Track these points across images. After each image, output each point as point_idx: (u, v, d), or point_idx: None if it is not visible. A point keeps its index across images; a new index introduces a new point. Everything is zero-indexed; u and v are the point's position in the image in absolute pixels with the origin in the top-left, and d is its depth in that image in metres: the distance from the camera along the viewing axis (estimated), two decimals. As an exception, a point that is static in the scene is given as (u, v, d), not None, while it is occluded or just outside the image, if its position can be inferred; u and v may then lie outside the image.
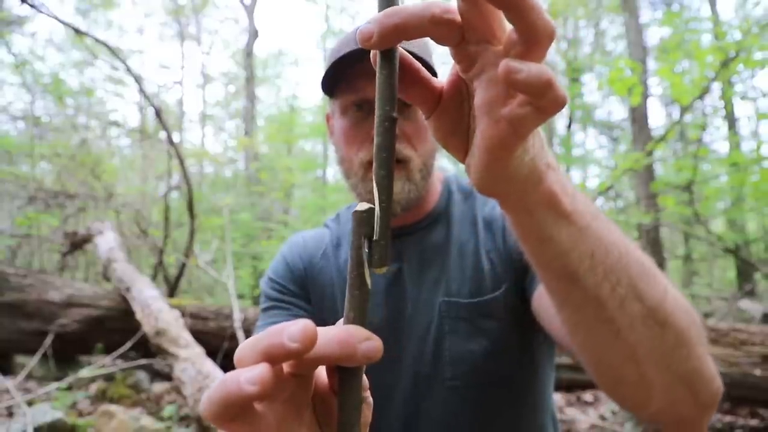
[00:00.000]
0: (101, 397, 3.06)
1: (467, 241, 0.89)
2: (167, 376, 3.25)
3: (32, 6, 3.61)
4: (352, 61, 0.80)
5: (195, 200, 4.56)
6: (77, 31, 4.15)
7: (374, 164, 0.34)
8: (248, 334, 3.13)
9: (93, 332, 3.39)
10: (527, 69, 0.30)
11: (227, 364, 2.82)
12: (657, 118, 15.57)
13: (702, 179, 5.35)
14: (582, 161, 9.23)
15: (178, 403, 2.93)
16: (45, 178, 6.20)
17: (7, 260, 5.07)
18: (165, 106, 10.10)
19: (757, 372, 2.43)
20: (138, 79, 4.36)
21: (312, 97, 14.98)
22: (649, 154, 4.74)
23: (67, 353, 3.45)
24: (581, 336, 0.48)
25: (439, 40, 0.35)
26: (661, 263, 6.11)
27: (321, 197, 8.21)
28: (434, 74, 0.85)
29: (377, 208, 0.34)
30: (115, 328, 3.40)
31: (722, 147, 10.54)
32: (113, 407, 2.63)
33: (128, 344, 3.18)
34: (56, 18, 3.82)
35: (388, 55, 0.35)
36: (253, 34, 10.99)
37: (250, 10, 11.21)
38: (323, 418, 0.37)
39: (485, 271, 0.85)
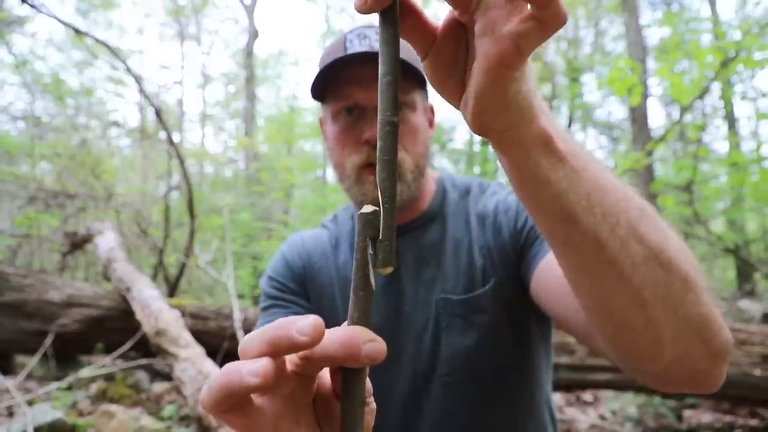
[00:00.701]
0: (101, 397, 3.06)
1: (461, 238, 0.90)
2: (167, 376, 3.25)
3: (32, 6, 3.61)
4: (341, 68, 0.82)
5: (195, 200, 4.56)
6: (77, 31, 4.15)
7: (377, 167, 0.35)
8: (248, 334, 3.12)
9: (93, 332, 3.39)
10: None
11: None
12: (657, 118, 15.56)
13: (702, 179, 5.35)
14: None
15: (178, 403, 2.93)
16: (45, 178, 6.20)
17: (7, 260, 5.06)
18: (165, 106, 10.10)
19: (757, 372, 2.43)
20: (138, 79, 4.36)
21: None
22: (649, 154, 4.74)
23: (67, 353, 3.45)
24: (584, 282, 0.47)
25: None
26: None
27: (321, 197, 8.21)
28: (423, 79, 0.87)
29: (381, 210, 0.34)
30: (115, 328, 3.39)
31: (722, 147, 10.55)
32: (113, 407, 2.63)
33: (128, 344, 3.18)
34: (56, 18, 3.82)
35: (388, 17, 0.36)
36: (253, 34, 10.99)
37: (250, 10, 11.21)
38: (325, 421, 0.37)
39: (476, 267, 0.86)
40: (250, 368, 0.30)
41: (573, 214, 0.42)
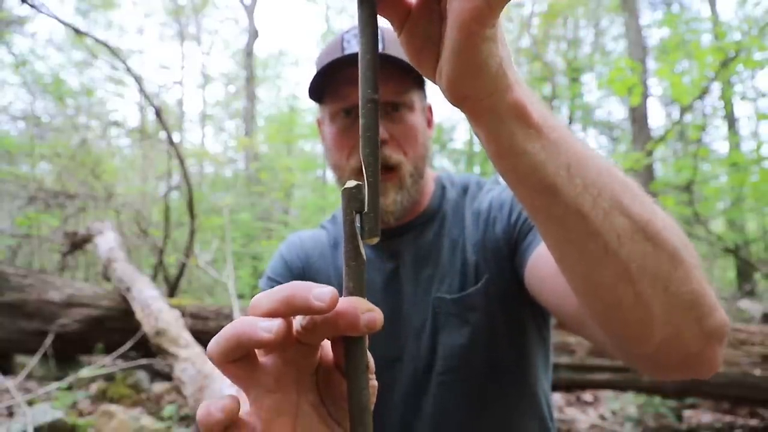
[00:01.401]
0: (101, 396, 3.06)
1: (458, 237, 0.90)
2: (167, 376, 3.25)
3: (32, 6, 3.61)
4: (338, 69, 0.82)
5: (195, 200, 4.56)
6: (77, 31, 4.15)
7: (360, 143, 0.37)
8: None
9: (93, 332, 3.39)
10: None
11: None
12: (657, 118, 15.57)
13: (702, 179, 5.35)
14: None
15: (178, 403, 2.93)
16: (45, 178, 6.19)
17: (7, 260, 5.07)
18: (165, 106, 10.09)
19: (757, 372, 2.43)
20: (138, 79, 4.36)
21: (312, 97, 14.92)
22: (649, 154, 4.75)
23: (68, 353, 3.45)
24: (571, 258, 0.47)
25: None
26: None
27: (321, 197, 8.22)
28: (420, 76, 0.87)
29: (366, 184, 0.36)
30: (115, 328, 3.39)
31: (722, 147, 10.56)
32: (113, 407, 2.64)
33: (128, 344, 3.18)
34: (56, 18, 3.82)
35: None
36: (253, 34, 10.99)
37: (250, 10, 11.21)
38: (326, 393, 0.39)
39: (470, 265, 0.87)
40: (264, 324, 0.32)
41: (553, 185, 0.41)
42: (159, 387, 3.27)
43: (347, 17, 11.95)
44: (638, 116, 6.28)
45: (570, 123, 8.03)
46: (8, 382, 2.75)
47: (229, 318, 3.37)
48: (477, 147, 8.90)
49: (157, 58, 16.32)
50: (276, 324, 0.32)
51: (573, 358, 2.69)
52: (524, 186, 0.43)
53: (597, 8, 9.42)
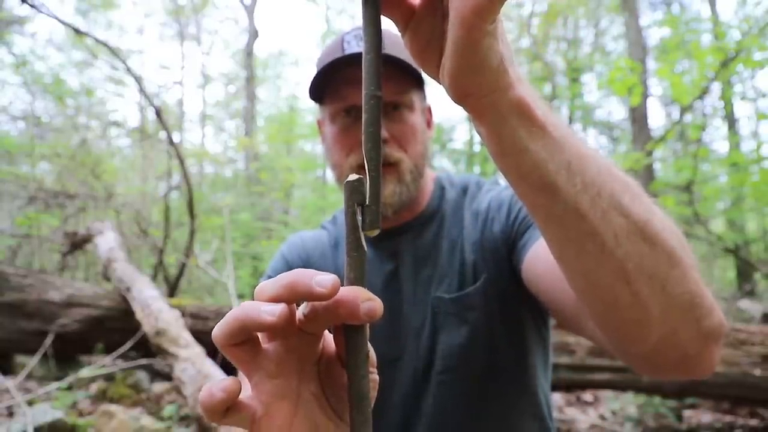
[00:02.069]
0: (101, 396, 3.06)
1: (457, 237, 0.91)
2: (167, 376, 3.25)
3: (32, 6, 3.61)
4: (339, 69, 0.82)
5: (195, 200, 4.56)
6: (77, 31, 4.15)
7: (363, 138, 0.37)
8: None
9: (93, 332, 3.39)
10: None
11: (227, 364, 2.81)
12: (657, 118, 15.56)
13: (702, 179, 5.35)
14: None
15: (178, 403, 2.93)
16: (45, 178, 6.18)
17: (7, 260, 5.06)
18: (165, 106, 10.09)
19: (757, 372, 2.43)
20: (138, 79, 4.36)
21: (312, 97, 14.92)
22: (649, 154, 4.75)
23: (68, 353, 3.45)
24: (569, 256, 0.47)
25: None
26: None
27: (321, 197, 8.22)
28: (420, 77, 0.87)
29: (368, 178, 0.37)
30: (115, 328, 3.39)
31: (722, 147, 10.55)
32: (113, 407, 2.63)
33: (128, 344, 3.18)
34: (56, 18, 3.82)
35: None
36: (253, 34, 10.99)
37: (250, 10, 11.21)
38: (328, 384, 0.39)
39: (468, 264, 0.87)
40: (267, 308, 0.33)
41: (553, 184, 0.41)
42: (159, 387, 3.27)
43: (347, 18, 11.96)
44: (638, 116, 6.28)
45: (570, 123, 8.03)
46: (8, 382, 2.75)
47: (229, 318, 3.36)
48: (477, 147, 8.90)
49: (157, 58, 16.33)
50: (279, 308, 0.33)
51: (573, 358, 2.68)
52: (525, 184, 0.43)
53: (597, 8, 9.42)
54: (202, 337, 2.97)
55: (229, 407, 0.34)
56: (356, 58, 0.80)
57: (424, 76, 0.81)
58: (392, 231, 0.92)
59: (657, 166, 7.29)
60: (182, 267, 4.67)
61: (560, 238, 0.46)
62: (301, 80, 13.99)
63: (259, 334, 0.37)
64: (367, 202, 0.37)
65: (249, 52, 10.93)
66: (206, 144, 13.16)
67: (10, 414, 2.70)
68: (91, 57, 6.53)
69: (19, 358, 3.48)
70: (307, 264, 0.97)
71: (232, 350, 0.35)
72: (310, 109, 10.26)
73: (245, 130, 10.73)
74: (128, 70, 4.24)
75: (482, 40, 0.36)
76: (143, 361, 3.19)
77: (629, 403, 3.22)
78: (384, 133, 0.82)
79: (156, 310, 2.86)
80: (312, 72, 0.86)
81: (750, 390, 2.46)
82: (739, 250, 5.77)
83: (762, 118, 6.86)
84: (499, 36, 0.38)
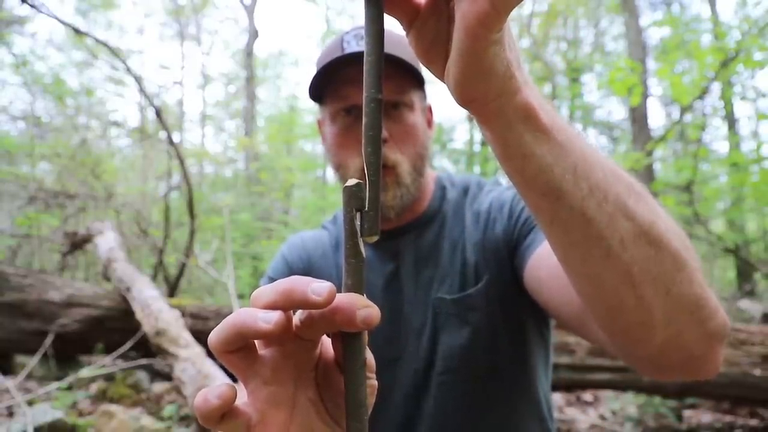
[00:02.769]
0: (101, 396, 3.06)
1: (458, 237, 0.90)
2: (167, 376, 3.25)
3: (32, 6, 3.60)
4: (338, 69, 0.82)
5: (195, 200, 4.55)
6: (77, 31, 4.15)
7: (363, 142, 0.37)
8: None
9: (93, 332, 3.39)
10: None
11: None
12: (657, 118, 15.55)
13: (702, 179, 5.35)
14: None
15: (178, 403, 2.93)
16: (45, 178, 6.18)
17: (7, 260, 5.06)
18: (165, 106, 10.09)
19: (757, 372, 2.43)
20: (138, 79, 4.36)
21: (312, 97, 14.92)
22: (649, 154, 4.75)
23: (68, 353, 3.45)
24: (574, 260, 0.47)
25: None
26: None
27: (321, 197, 8.21)
28: (421, 79, 0.87)
29: (367, 182, 0.36)
30: (115, 328, 3.39)
31: (722, 147, 10.55)
32: (113, 407, 2.63)
33: (128, 344, 3.18)
34: (56, 18, 3.82)
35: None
36: (253, 34, 10.99)
37: (250, 10, 11.21)
38: (326, 391, 0.39)
39: (469, 265, 0.87)
40: (263, 315, 0.33)
41: (559, 189, 0.41)
42: (159, 387, 3.27)
43: (347, 18, 11.96)
44: (638, 116, 6.28)
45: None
46: (8, 382, 2.75)
47: (229, 318, 3.36)
48: (477, 147, 8.90)
49: (157, 58, 16.31)
50: (275, 316, 0.33)
51: (573, 358, 2.69)
52: (530, 188, 0.43)
53: (597, 8, 9.42)
54: (202, 337, 2.97)
55: (225, 414, 0.34)
56: (356, 57, 0.80)
57: (426, 74, 0.80)
58: (393, 231, 0.92)
59: (657, 166, 7.29)
60: (182, 267, 4.67)
61: (565, 242, 0.46)
62: (301, 80, 13.99)
63: (256, 341, 0.37)
64: (366, 208, 0.36)
65: (249, 52, 10.93)
66: (206, 144, 13.17)
67: (10, 414, 2.70)
68: (91, 57, 6.53)
69: (19, 358, 3.48)
70: (307, 264, 0.97)
71: (228, 357, 0.35)
72: (310, 109, 10.25)
73: (245, 130, 10.72)
74: (128, 70, 4.24)
75: (488, 49, 0.36)
76: (143, 361, 3.19)
77: (629, 403, 3.22)
78: (384, 133, 0.82)
79: (156, 310, 2.86)
80: (312, 72, 0.86)
81: (750, 390, 2.46)
82: (739, 250, 5.77)
83: (762, 118, 6.86)
84: (505, 43, 0.37)
